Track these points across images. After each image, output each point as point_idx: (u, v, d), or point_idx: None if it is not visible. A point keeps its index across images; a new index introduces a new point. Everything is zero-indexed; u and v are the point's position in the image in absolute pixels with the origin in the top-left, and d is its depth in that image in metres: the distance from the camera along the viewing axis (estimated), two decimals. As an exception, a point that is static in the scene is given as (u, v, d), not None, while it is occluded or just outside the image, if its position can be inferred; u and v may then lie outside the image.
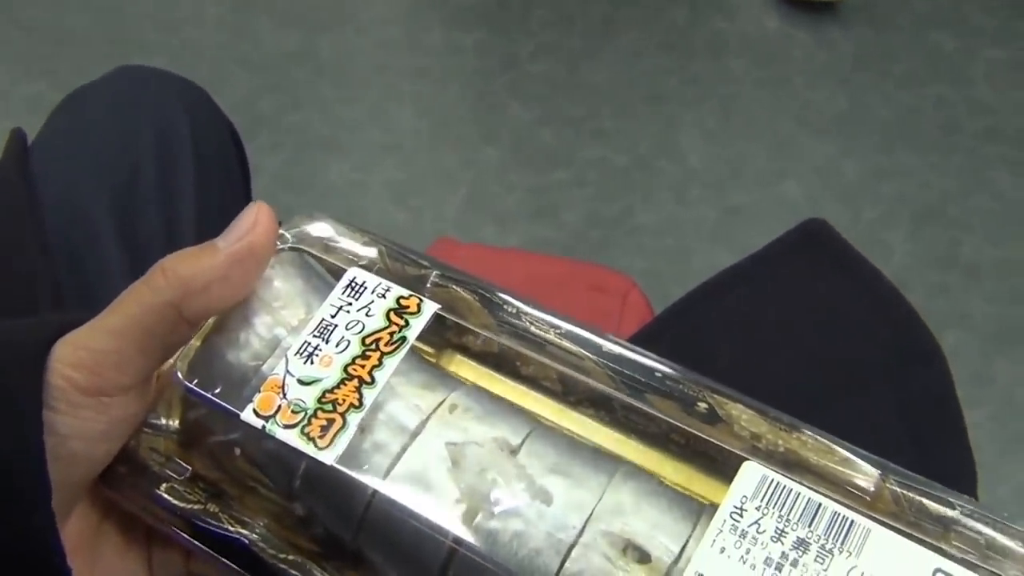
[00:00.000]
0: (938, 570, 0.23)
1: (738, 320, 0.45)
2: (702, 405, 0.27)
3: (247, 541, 0.27)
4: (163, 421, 0.29)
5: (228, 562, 0.27)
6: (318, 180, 1.20)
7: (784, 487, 0.25)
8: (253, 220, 0.27)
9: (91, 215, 0.48)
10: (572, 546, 0.25)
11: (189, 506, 0.28)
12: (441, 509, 0.26)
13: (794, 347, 0.43)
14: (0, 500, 0.25)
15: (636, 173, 1.19)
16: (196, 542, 0.28)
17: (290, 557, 0.27)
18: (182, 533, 0.28)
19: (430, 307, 0.28)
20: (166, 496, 0.28)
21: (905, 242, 1.10)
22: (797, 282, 0.45)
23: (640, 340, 0.48)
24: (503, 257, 0.75)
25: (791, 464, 0.26)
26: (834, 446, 0.26)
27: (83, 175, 0.49)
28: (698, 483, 0.27)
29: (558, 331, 0.29)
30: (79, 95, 0.53)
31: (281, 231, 0.30)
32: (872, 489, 0.25)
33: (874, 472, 0.26)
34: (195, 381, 0.27)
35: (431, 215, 1.16)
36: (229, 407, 0.27)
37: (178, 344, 0.27)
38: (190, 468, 0.28)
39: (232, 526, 0.27)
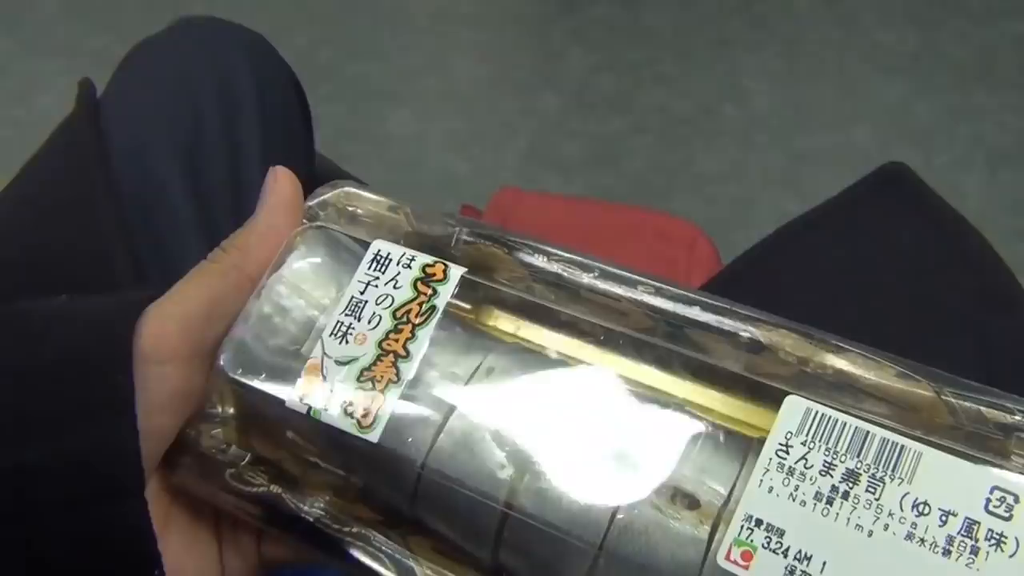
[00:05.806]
0: (995, 487, 0.22)
1: (815, 266, 0.44)
2: (744, 335, 0.27)
3: (311, 519, 0.28)
4: (219, 409, 0.29)
5: (299, 540, 0.28)
6: (378, 130, 1.20)
7: (829, 418, 0.24)
8: (273, 179, 0.30)
9: (158, 169, 0.48)
10: None
11: (255, 489, 0.28)
12: (489, 475, 0.26)
13: (872, 292, 0.42)
14: (96, 490, 0.25)
15: (699, 119, 1.17)
16: (266, 524, 0.28)
17: (354, 529, 0.27)
18: (252, 516, 0.28)
19: (456, 272, 0.28)
20: (232, 482, 0.28)
21: (980, 186, 1.07)
22: (876, 227, 0.44)
23: (712, 288, 0.47)
24: (568, 206, 0.75)
25: (842, 385, 0.25)
26: (885, 361, 0.25)
27: (148, 129, 0.50)
28: (747, 413, 0.26)
29: (592, 274, 0.28)
30: (142, 48, 0.54)
31: (306, 203, 0.30)
32: (927, 402, 0.24)
33: (928, 384, 0.25)
34: (239, 371, 0.28)
35: (491, 164, 1.15)
36: (274, 395, 0.27)
37: (238, 311, 0.28)
38: (250, 452, 0.29)
39: (297, 505, 0.28)
